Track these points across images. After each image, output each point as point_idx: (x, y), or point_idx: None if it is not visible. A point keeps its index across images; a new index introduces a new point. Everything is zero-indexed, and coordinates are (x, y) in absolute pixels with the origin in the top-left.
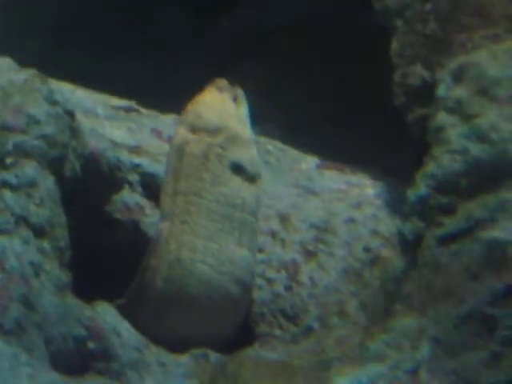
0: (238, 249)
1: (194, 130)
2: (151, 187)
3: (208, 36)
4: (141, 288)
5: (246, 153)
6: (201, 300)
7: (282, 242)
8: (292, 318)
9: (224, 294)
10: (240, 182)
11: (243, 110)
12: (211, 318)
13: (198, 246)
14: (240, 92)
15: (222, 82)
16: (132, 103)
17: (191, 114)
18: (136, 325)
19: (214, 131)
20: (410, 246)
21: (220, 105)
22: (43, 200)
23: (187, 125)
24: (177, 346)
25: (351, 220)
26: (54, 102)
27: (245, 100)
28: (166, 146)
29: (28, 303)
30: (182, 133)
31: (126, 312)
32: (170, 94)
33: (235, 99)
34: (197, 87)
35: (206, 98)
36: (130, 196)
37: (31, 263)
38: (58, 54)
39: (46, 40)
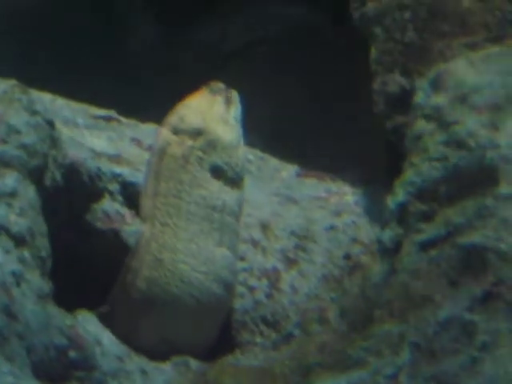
0: (218, 249)
1: (176, 132)
2: (132, 196)
3: (188, 46)
4: (123, 289)
5: (226, 156)
6: (183, 299)
7: (263, 250)
8: (273, 325)
9: (206, 292)
10: (220, 184)
11: (234, 112)
12: (194, 317)
13: (178, 247)
14: (234, 95)
15: (217, 85)
16: (112, 112)
17: (175, 116)
18: (119, 326)
19: (195, 134)
20: (389, 252)
21: (206, 108)
22: (24, 209)
23: (170, 126)
24: (161, 347)
25: (331, 227)
26: (34, 112)
27: (238, 103)
28: (146, 155)
29: (9, 313)
30: (165, 134)
31: (108, 314)
32: (149, 104)
33: (228, 102)
34: (176, 98)
35: (194, 100)
36: (110, 205)
37: (12, 273)
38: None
39: (19, 47)
